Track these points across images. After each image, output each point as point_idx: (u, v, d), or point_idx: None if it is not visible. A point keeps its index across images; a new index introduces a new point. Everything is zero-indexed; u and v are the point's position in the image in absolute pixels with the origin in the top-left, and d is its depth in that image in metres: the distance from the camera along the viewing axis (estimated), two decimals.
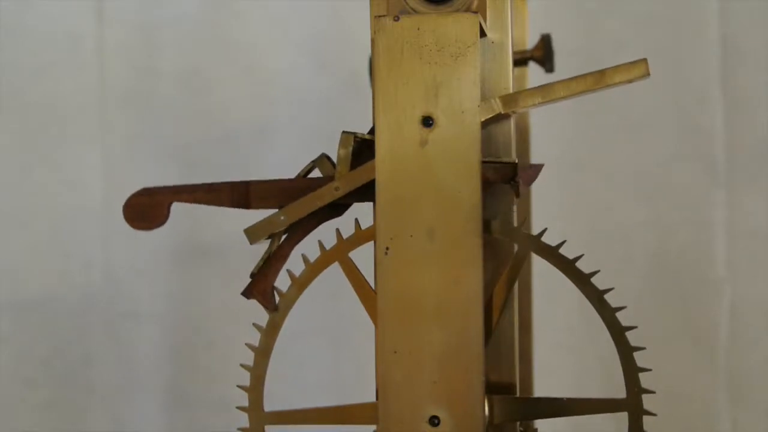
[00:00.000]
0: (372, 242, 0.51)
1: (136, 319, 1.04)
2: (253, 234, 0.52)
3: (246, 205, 0.53)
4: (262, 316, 0.53)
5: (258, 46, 1.06)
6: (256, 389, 0.52)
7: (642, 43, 1.04)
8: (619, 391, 0.50)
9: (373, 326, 0.50)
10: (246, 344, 0.53)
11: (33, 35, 1.03)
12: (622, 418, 0.50)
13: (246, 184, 0.53)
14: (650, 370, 0.50)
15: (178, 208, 0.55)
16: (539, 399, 0.51)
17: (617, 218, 1.06)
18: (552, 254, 0.50)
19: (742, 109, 1.04)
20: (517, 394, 0.53)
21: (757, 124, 1.04)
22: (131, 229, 0.54)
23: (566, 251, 0.50)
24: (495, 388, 0.52)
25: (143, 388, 1.04)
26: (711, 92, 1.05)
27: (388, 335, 0.48)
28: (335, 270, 0.53)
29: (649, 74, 0.49)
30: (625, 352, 0.49)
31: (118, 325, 1.04)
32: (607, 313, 0.49)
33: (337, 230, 0.52)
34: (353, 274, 0.51)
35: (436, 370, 0.48)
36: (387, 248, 0.48)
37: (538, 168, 0.50)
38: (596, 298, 0.49)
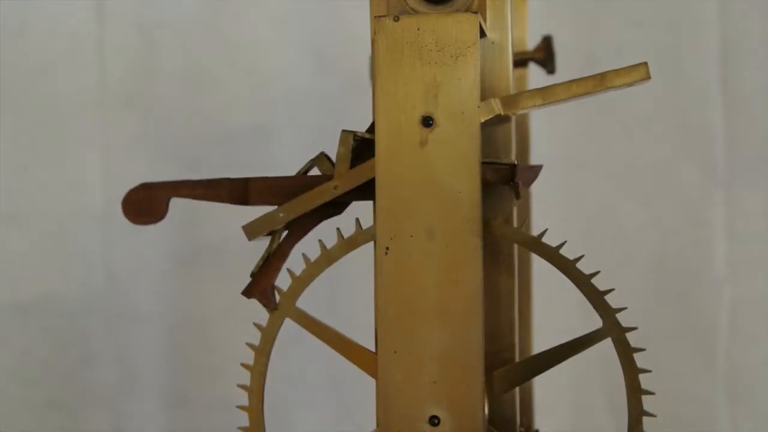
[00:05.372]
0: (372, 242, 0.51)
1: (136, 319, 1.04)
2: (251, 230, 0.52)
3: (245, 201, 0.53)
4: (262, 316, 0.53)
5: (258, 46, 1.06)
6: (302, 283, 0.52)
7: (642, 43, 1.04)
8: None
9: (373, 326, 0.50)
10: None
11: (33, 35, 1.03)
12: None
13: (245, 181, 0.53)
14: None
15: (178, 209, 0.55)
16: None
17: (617, 218, 1.06)
18: (623, 348, 0.50)
19: (742, 109, 1.04)
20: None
21: (757, 124, 1.04)
22: (131, 229, 0.54)
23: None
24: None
25: (143, 388, 1.04)
26: (711, 92, 1.05)
27: (388, 335, 0.49)
28: (335, 270, 0.53)
29: (650, 78, 0.49)
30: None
31: (118, 325, 1.04)
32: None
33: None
34: None
35: (436, 370, 0.48)
36: (387, 248, 0.48)
37: (537, 169, 0.50)
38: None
